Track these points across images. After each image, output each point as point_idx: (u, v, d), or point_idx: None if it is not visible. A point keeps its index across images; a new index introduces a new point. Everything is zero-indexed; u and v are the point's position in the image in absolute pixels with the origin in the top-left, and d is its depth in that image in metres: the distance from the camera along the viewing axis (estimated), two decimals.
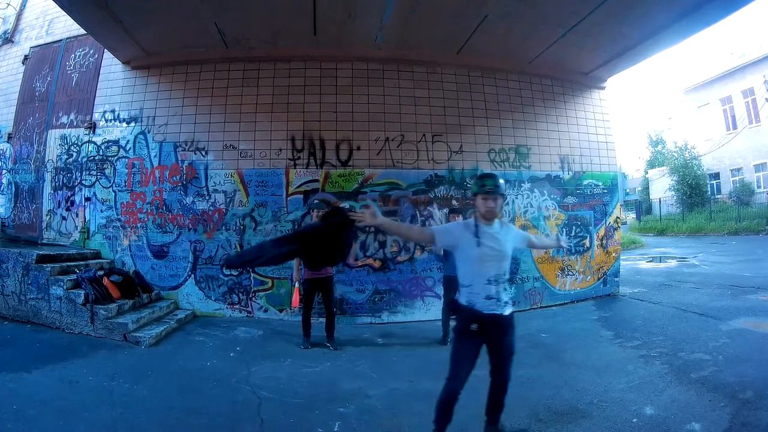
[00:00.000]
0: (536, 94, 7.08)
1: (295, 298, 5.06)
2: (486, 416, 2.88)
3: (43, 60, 7.37)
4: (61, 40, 7.27)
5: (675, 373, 3.91)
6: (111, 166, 6.50)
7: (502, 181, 2.64)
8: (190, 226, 6.20)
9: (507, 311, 2.65)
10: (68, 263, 5.63)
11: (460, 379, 2.62)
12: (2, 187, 7.50)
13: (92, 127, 6.64)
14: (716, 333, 4.96)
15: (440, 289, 5.55)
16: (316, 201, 5.78)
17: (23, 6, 7.94)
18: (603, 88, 7.65)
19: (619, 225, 7.68)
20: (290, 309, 5.95)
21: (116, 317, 5.11)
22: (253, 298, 6.10)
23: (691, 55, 40.66)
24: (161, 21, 5.52)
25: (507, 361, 2.72)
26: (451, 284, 5.02)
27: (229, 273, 6.10)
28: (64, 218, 6.72)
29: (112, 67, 6.70)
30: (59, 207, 6.78)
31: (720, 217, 18.59)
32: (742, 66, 19.92)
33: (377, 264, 6.18)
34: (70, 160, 6.76)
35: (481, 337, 2.62)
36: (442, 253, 5.09)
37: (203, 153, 6.27)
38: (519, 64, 6.81)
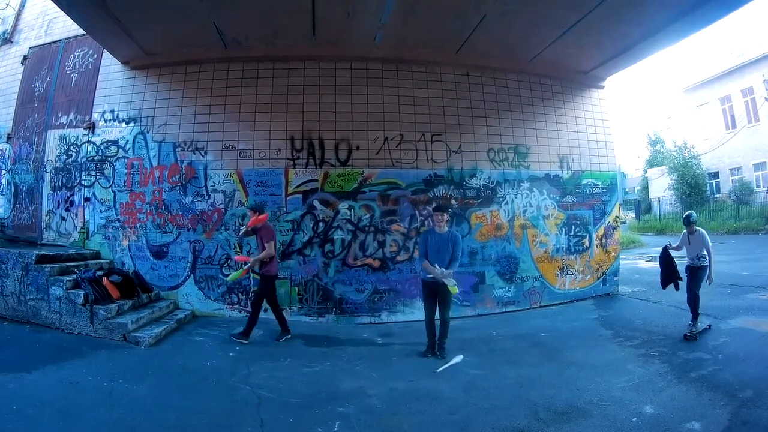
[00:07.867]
0: (535, 94, 7.08)
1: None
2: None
3: (42, 60, 7.35)
4: (60, 40, 7.25)
5: (675, 372, 3.92)
6: (110, 166, 6.49)
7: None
8: (190, 226, 6.19)
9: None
10: (68, 263, 5.62)
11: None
12: (1, 188, 7.47)
13: (91, 127, 6.63)
14: (716, 332, 4.97)
15: None
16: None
17: (22, 6, 7.92)
18: (602, 87, 7.66)
19: (619, 224, 7.68)
20: (288, 308, 5.94)
21: (116, 317, 5.10)
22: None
23: (691, 55, 40.55)
24: (160, 21, 5.52)
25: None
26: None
27: (228, 272, 6.10)
28: (63, 218, 6.71)
29: (111, 67, 6.68)
30: (58, 207, 6.77)
31: (719, 216, 18.60)
32: (742, 65, 19.90)
33: (376, 263, 6.17)
34: (70, 160, 6.74)
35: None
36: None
37: (202, 153, 6.26)
38: (518, 63, 6.81)
